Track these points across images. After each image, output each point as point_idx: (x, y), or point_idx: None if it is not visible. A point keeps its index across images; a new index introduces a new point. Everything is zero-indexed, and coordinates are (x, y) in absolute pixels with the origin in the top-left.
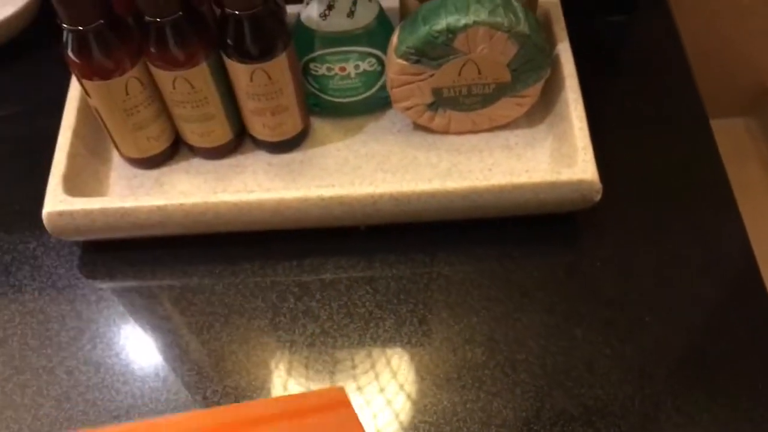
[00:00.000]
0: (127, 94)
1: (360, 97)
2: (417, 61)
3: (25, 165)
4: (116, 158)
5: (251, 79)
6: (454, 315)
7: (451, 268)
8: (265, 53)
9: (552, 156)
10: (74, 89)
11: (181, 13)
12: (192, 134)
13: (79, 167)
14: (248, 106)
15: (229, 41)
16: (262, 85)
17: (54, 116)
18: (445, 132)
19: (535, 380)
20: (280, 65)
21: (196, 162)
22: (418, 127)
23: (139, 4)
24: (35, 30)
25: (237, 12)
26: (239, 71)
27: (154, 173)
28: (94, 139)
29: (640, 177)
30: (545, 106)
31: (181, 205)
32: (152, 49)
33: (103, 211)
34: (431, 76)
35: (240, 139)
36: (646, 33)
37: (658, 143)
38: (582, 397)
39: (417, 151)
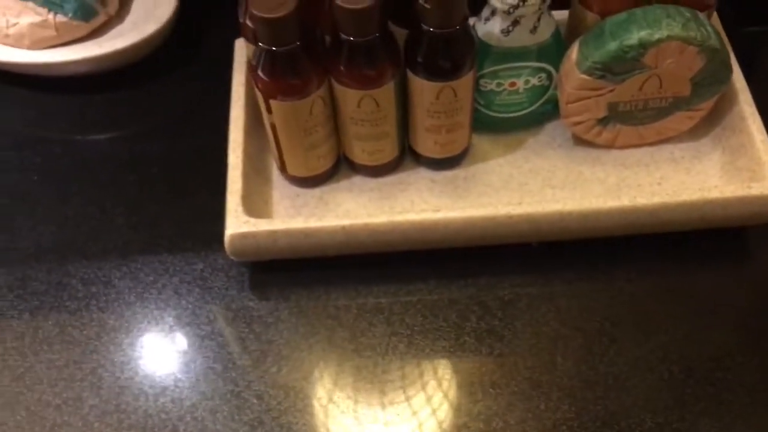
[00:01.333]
0: (311, 113)
1: (523, 113)
2: (601, 77)
3: (174, 184)
4: (276, 177)
5: (437, 97)
6: (643, 333)
7: (631, 284)
8: (456, 71)
9: (724, 169)
10: (238, 107)
11: (378, 34)
12: (362, 152)
13: (249, 187)
14: (425, 123)
15: (420, 59)
16: (447, 103)
17: (197, 133)
18: (610, 146)
19: (739, 398)
20: (467, 83)
21: (358, 180)
22: (580, 141)
23: (338, 24)
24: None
25: (433, 29)
26: (426, 90)
27: (316, 192)
28: (257, 158)
29: None
30: (709, 119)
31: (366, 224)
32: (343, 68)
33: (287, 233)
34: (611, 91)
35: (401, 157)
36: None
37: None
38: None
39: (581, 166)
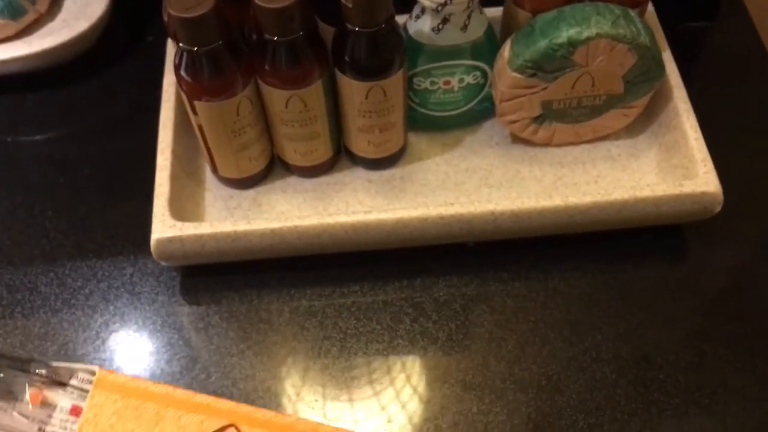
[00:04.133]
0: (238, 114)
1: (459, 111)
2: (533, 75)
3: (105, 187)
4: (209, 178)
5: (366, 97)
6: (576, 333)
7: (566, 283)
8: (384, 70)
9: (660, 167)
10: (168, 108)
11: (301, 33)
12: (294, 153)
13: (179, 189)
14: (357, 123)
15: (347, 59)
16: (377, 102)
17: (130, 134)
18: (547, 144)
19: (670, 398)
20: (397, 82)
21: (293, 180)
22: (517, 140)
23: (260, 24)
24: (104, 44)
25: (358, 29)
26: (355, 89)
27: (250, 193)
28: (188, 159)
29: (748, 186)
30: (646, 116)
31: (296, 227)
32: (268, 68)
33: (215, 236)
34: (544, 89)
35: (337, 157)
36: (728, 38)
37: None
38: (719, 414)
39: (519, 164)
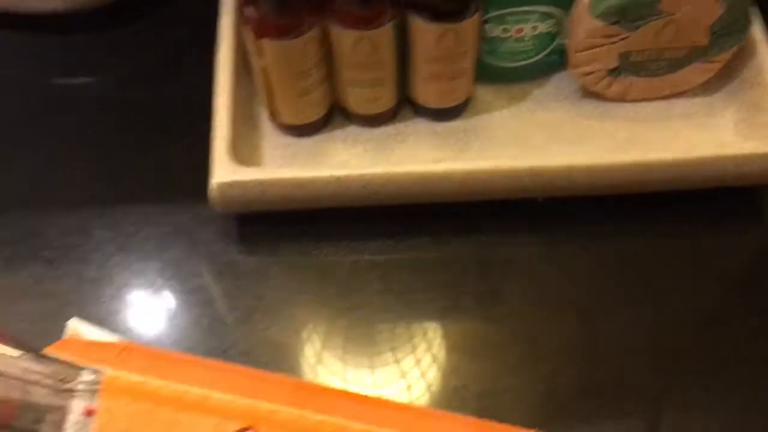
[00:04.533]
0: (305, 55)
1: (528, 62)
2: (615, 23)
3: (159, 132)
4: (265, 126)
5: (439, 42)
6: (648, 294)
7: (638, 244)
8: (459, 13)
9: (737, 126)
10: (226, 48)
11: None
12: (357, 100)
13: (238, 134)
14: (426, 70)
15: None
16: (449, 48)
17: (181, 77)
18: (620, 100)
19: (740, 366)
20: (470, 26)
21: (352, 130)
22: (588, 94)
23: None
24: None
25: None
26: (427, 33)
27: (307, 142)
28: (245, 104)
29: None
30: (726, 72)
31: (362, 175)
32: (338, 7)
33: (278, 182)
34: (624, 39)
35: (399, 106)
36: None
37: None
38: None
39: (589, 120)
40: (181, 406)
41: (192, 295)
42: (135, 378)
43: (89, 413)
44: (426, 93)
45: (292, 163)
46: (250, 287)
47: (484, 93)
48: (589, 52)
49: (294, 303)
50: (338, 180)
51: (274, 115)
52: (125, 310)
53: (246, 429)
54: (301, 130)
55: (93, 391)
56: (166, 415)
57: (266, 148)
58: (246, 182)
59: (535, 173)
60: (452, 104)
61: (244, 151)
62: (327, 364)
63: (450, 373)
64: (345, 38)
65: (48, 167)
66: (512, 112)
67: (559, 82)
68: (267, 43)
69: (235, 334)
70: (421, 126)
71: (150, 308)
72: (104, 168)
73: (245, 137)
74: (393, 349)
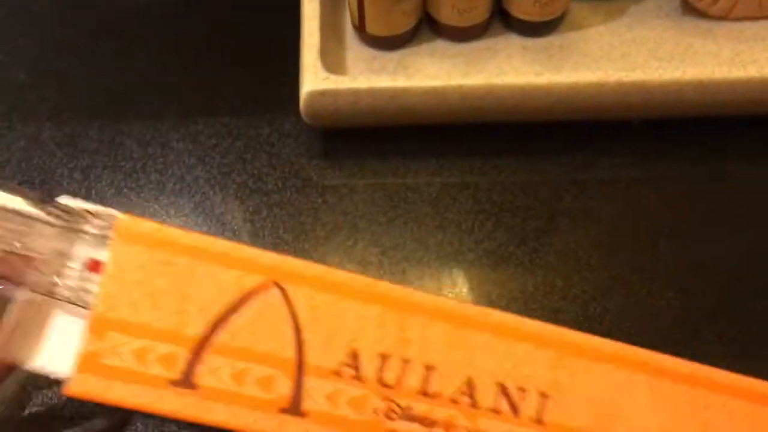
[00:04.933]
0: None
1: None
2: None
3: (236, 45)
4: (350, 38)
5: None
6: (752, 222)
7: (742, 170)
8: None
9: None
10: None
11: None
12: (452, 10)
13: (327, 43)
14: None
15: None
16: None
17: None
18: (724, 17)
19: None
20: None
21: (441, 44)
22: (690, 11)
23: None
24: None
25: None
26: None
27: (395, 55)
28: (332, 13)
29: None
30: None
31: (460, 86)
32: None
33: (371, 92)
34: None
35: (491, 20)
36: None
37: None
38: None
39: (691, 38)
40: (201, 256)
41: (276, 209)
42: (151, 224)
43: (94, 266)
44: (524, 3)
45: (379, 74)
46: (335, 203)
47: (580, 8)
48: None
49: (382, 220)
50: (435, 91)
51: (361, 26)
52: (205, 222)
53: (268, 283)
54: (389, 42)
55: (104, 237)
56: (184, 265)
57: (352, 59)
58: (338, 91)
59: (643, 88)
60: (549, 18)
61: (331, 61)
62: (418, 281)
63: (548, 294)
64: None
65: (128, 79)
66: (609, 28)
67: None
68: None
69: (323, 250)
70: (513, 41)
71: (234, 219)
72: (182, 81)
73: (332, 47)
74: (489, 266)
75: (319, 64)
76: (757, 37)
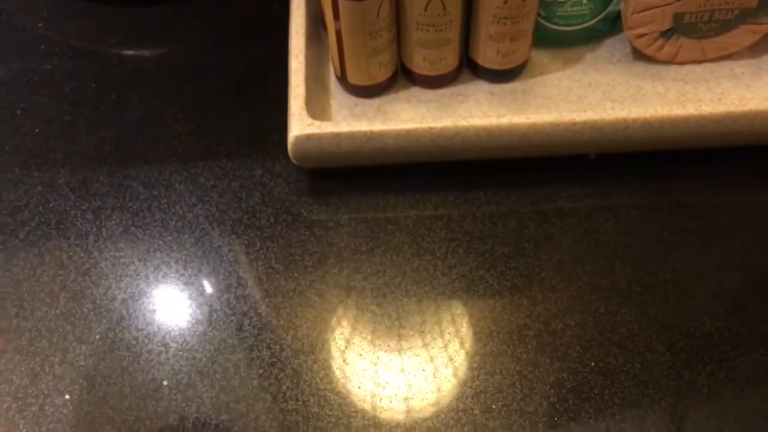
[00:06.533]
0: (378, 16)
1: (582, 26)
2: None
3: (232, 94)
4: (334, 86)
5: (505, 1)
6: (702, 242)
7: (691, 196)
8: None
9: None
10: (299, 15)
11: None
12: (423, 61)
13: (311, 93)
14: (490, 30)
15: None
16: (514, 8)
17: (252, 45)
18: (670, 62)
19: None
20: None
21: (416, 91)
22: (639, 56)
23: None
24: None
25: None
26: None
27: (375, 102)
28: (317, 67)
29: None
30: None
31: (431, 128)
32: None
33: (351, 135)
34: (679, 0)
35: (461, 69)
36: None
37: None
38: None
39: (641, 80)
40: None
41: (268, 242)
42: None
43: None
44: (487, 54)
45: (359, 120)
46: (322, 235)
47: (539, 56)
48: (645, 13)
49: (364, 249)
50: (408, 133)
51: (343, 77)
52: (206, 255)
53: None
54: (368, 91)
55: None
56: None
57: (335, 107)
58: (322, 135)
59: (595, 127)
60: (512, 66)
61: (316, 109)
62: (397, 303)
63: (514, 312)
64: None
65: (133, 129)
66: (567, 73)
67: (611, 46)
68: (344, 4)
69: (310, 277)
70: (480, 87)
71: (229, 253)
72: (183, 128)
73: (317, 97)
74: (461, 290)
75: (304, 111)
76: (700, 79)
